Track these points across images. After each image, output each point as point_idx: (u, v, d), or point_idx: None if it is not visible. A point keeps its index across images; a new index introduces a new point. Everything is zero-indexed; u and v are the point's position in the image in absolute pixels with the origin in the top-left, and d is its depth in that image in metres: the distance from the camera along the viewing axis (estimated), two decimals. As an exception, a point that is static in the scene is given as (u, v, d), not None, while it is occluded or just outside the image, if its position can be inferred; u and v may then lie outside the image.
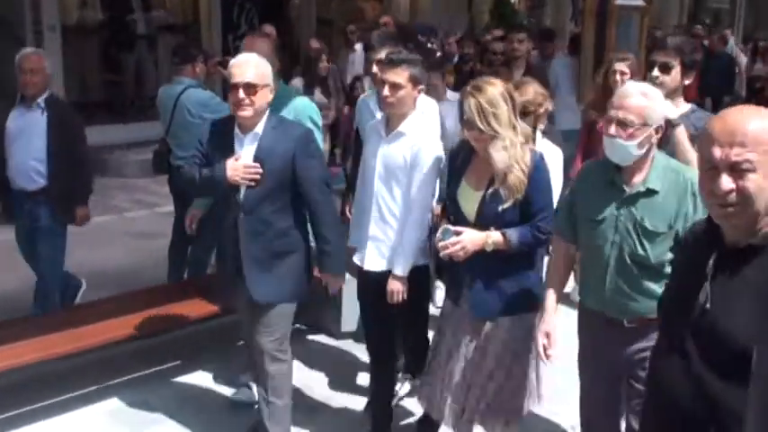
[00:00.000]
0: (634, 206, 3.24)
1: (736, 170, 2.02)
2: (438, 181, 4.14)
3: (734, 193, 2.03)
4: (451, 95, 6.11)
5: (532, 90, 4.33)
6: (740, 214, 2.05)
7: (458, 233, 3.57)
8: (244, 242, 4.00)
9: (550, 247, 3.85)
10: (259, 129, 3.93)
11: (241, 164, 3.87)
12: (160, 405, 4.80)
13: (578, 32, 10.04)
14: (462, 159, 3.76)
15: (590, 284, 3.42)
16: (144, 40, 12.88)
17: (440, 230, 3.65)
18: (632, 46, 8.12)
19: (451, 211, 3.79)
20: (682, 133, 4.12)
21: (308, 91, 7.65)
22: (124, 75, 12.91)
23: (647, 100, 3.22)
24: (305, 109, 4.66)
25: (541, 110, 4.33)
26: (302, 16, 13.85)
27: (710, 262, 2.11)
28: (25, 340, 4.65)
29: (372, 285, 4.18)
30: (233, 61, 3.95)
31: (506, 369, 3.68)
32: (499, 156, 3.49)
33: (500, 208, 3.54)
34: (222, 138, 4.00)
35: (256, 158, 3.91)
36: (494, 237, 3.55)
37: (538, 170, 3.56)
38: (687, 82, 4.85)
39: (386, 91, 4.01)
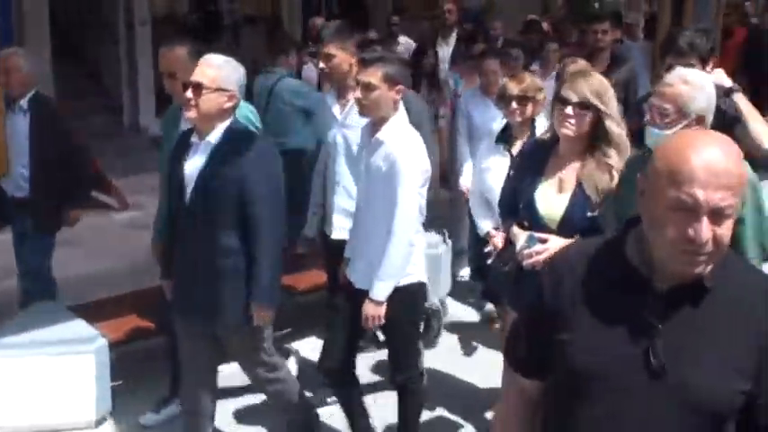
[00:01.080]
0: None
1: (717, 215, 1.72)
2: (424, 195, 3.82)
3: (711, 242, 1.73)
4: None
5: (529, 78, 4.43)
6: (708, 263, 1.77)
7: (543, 241, 3.32)
8: (188, 256, 3.76)
9: None
10: (213, 138, 3.66)
11: None
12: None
13: (653, 13, 9.96)
14: (540, 154, 3.49)
15: None
16: (229, 31, 13.28)
17: (523, 237, 3.40)
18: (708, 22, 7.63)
19: (525, 216, 3.49)
20: (741, 99, 3.91)
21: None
22: (210, 65, 13.28)
23: (686, 87, 3.06)
24: (239, 111, 4.16)
25: (540, 96, 4.35)
26: (379, 5, 14.03)
27: (650, 310, 1.81)
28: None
29: (358, 302, 3.83)
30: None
31: None
32: (619, 131, 3.31)
33: (589, 214, 3.30)
34: (183, 144, 3.79)
35: (203, 170, 3.65)
36: (579, 240, 3.12)
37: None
38: (711, 70, 4.24)
39: (358, 92, 3.75)
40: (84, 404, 4.35)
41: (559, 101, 3.36)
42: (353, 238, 4.03)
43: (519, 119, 4.32)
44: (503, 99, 4.36)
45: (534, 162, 3.47)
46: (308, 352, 5.37)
